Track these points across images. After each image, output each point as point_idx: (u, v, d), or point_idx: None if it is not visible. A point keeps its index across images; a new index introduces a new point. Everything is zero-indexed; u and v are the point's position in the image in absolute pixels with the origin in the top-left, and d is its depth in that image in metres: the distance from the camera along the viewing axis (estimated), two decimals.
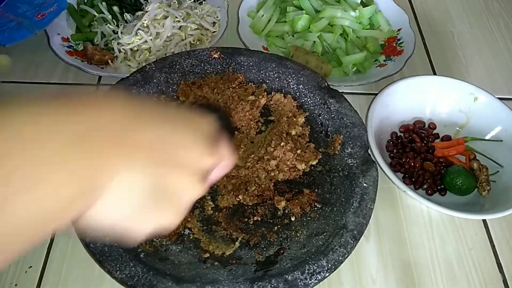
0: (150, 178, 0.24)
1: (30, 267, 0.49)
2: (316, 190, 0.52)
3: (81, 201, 0.22)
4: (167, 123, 0.26)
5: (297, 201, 0.51)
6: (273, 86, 0.60)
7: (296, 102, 0.59)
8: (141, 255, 0.44)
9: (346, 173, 0.51)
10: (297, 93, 0.59)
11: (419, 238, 0.53)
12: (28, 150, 0.19)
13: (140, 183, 0.24)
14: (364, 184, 0.48)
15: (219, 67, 0.60)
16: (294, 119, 0.57)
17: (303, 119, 0.57)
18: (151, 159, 0.24)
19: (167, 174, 0.25)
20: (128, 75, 0.56)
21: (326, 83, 0.57)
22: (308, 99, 0.58)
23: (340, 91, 0.57)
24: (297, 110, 0.58)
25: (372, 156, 0.52)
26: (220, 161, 0.30)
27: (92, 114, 0.23)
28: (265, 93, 0.59)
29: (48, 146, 0.20)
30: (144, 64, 0.60)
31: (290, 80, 0.59)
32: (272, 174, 0.52)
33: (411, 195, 0.50)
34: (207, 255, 0.46)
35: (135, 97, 0.26)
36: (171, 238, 0.47)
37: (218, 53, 0.59)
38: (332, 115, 0.55)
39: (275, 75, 0.60)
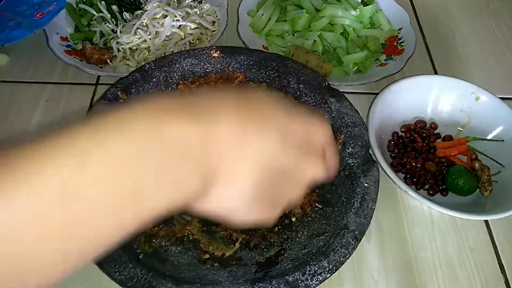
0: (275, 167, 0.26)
1: None
2: (316, 190, 0.51)
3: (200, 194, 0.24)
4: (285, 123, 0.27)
5: None
6: (273, 85, 0.60)
7: (296, 101, 0.58)
8: (140, 256, 0.43)
9: (347, 173, 0.50)
10: (298, 93, 0.58)
11: (420, 239, 0.53)
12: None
13: (248, 185, 0.25)
14: (365, 184, 0.47)
15: (218, 66, 0.59)
16: None
17: None
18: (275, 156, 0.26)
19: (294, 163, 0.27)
20: (127, 74, 0.56)
21: (326, 83, 0.57)
22: (309, 99, 0.58)
23: (341, 90, 0.57)
24: None
25: (373, 156, 0.51)
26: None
27: (211, 122, 0.24)
28: None
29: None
30: (143, 63, 0.59)
31: (290, 79, 0.59)
32: None
33: (412, 195, 0.50)
34: (207, 256, 0.46)
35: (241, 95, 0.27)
36: (170, 239, 0.47)
37: (218, 52, 0.59)
38: (333, 115, 0.55)
39: (275, 74, 0.59)
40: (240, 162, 0.25)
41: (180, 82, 0.58)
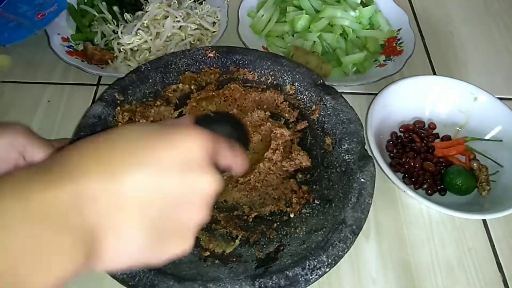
0: (150, 221, 0.24)
1: None
2: (314, 187, 0.52)
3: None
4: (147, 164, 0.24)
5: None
6: (269, 84, 0.60)
7: (292, 96, 0.59)
8: None
9: (344, 169, 0.51)
10: (293, 91, 0.59)
11: (419, 238, 0.53)
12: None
13: (140, 230, 0.24)
14: (362, 179, 0.48)
15: (214, 66, 0.60)
16: None
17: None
18: (146, 215, 0.24)
19: (167, 217, 0.25)
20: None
21: (321, 80, 0.57)
22: (304, 96, 0.58)
23: (340, 91, 0.57)
24: None
25: (370, 153, 0.52)
26: (231, 166, 0.30)
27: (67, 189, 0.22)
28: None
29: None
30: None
31: (285, 78, 0.59)
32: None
33: (411, 195, 0.50)
34: (208, 253, 0.46)
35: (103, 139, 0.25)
36: None
37: (213, 52, 0.59)
38: (328, 112, 0.55)
39: (271, 73, 0.60)
40: (119, 211, 0.23)
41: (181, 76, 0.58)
